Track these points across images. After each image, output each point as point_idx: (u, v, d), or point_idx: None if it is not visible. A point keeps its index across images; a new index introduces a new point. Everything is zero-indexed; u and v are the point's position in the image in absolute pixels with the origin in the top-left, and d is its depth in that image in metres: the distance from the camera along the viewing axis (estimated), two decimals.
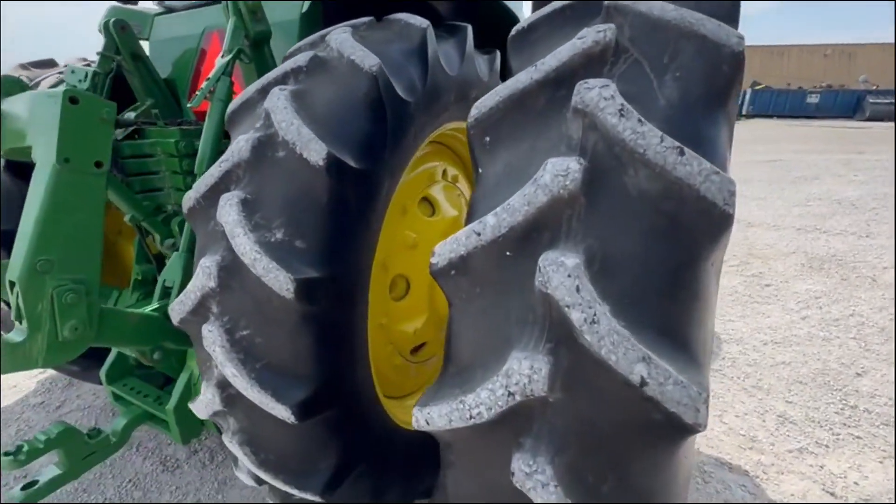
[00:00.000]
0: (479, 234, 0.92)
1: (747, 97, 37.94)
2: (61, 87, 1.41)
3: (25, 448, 1.83)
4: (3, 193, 2.28)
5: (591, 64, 1.00)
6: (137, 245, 2.32)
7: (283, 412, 1.26)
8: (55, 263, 1.25)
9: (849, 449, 2.70)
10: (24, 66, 3.05)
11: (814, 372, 3.47)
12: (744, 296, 4.83)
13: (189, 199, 1.42)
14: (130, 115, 2.30)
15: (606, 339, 0.77)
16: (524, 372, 0.82)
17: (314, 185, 1.28)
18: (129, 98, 2.42)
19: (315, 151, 1.25)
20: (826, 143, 17.86)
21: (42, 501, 1.81)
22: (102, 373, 2.18)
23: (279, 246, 1.26)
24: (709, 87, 0.95)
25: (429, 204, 2.20)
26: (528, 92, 1.03)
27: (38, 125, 1.29)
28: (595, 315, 0.78)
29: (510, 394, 0.84)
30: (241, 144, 1.33)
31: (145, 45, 2.58)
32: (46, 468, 1.93)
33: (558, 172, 0.86)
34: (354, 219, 1.40)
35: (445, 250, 0.97)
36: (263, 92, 1.45)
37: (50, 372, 3.61)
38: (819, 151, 15.46)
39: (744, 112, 37.28)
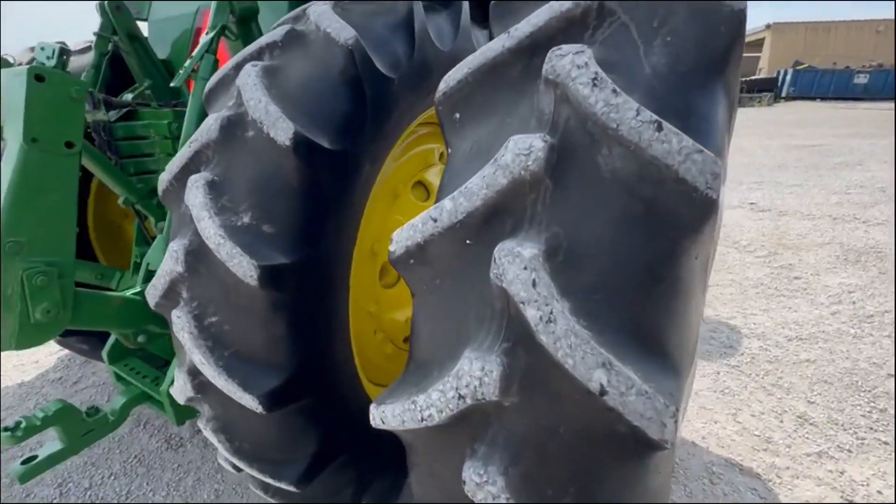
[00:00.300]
0: (435, 221, 0.84)
1: (788, 78, 35.83)
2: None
3: (23, 424, 1.87)
4: None
5: (570, 29, 0.88)
6: (137, 228, 2.33)
7: (250, 402, 1.22)
8: (25, 245, 1.23)
9: (874, 455, 2.52)
10: (33, 50, 3.08)
11: (841, 371, 3.26)
12: (769, 288, 4.57)
13: (163, 180, 1.38)
14: (129, 96, 2.28)
15: (563, 340, 0.68)
16: (475, 374, 0.75)
17: (282, 166, 1.22)
18: (131, 79, 2.41)
19: (282, 130, 1.18)
20: (873, 127, 16.71)
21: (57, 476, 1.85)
22: (105, 352, 2.21)
23: (245, 230, 1.20)
24: (703, 54, 0.83)
25: (424, 188, 2.11)
26: (500, 62, 0.93)
27: (6, 104, 1.26)
28: (552, 313, 0.69)
29: (460, 396, 0.76)
30: (210, 124, 1.28)
31: (144, 26, 2.56)
32: (46, 444, 1.98)
33: (520, 151, 0.76)
34: (329, 203, 1.33)
35: (402, 237, 0.90)
36: (238, 69, 1.38)
37: None
38: (864, 136, 14.49)
39: (784, 94, 35.28)
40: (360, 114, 1.37)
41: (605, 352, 0.67)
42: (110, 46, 2.33)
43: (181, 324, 1.26)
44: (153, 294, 1.34)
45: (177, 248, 1.25)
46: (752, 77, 38.06)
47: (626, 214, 0.74)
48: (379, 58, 1.40)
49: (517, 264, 0.72)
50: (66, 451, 1.99)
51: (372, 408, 0.95)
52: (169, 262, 1.26)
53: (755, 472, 2.45)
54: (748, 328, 3.88)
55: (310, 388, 1.37)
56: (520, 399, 0.76)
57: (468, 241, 0.84)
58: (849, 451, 2.56)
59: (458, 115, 0.99)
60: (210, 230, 1.18)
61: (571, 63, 0.79)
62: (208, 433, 1.40)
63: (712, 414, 2.89)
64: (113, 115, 2.10)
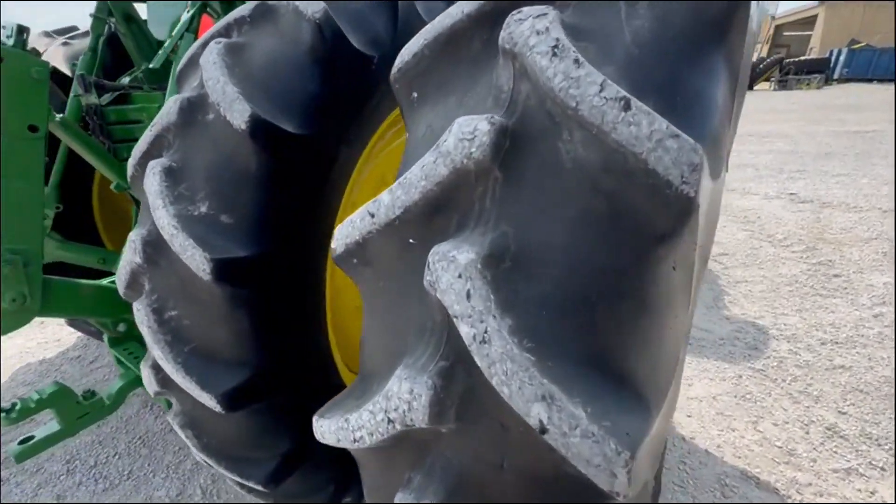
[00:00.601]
0: (372, 216, 0.73)
1: (842, 58, 33.31)
2: None
3: (18, 406, 1.89)
4: None
5: None
6: (134, 213, 2.32)
7: (208, 401, 1.16)
8: None
9: None
10: (47, 34, 3.11)
11: (880, 380, 2.99)
12: (805, 287, 4.25)
13: (129, 165, 1.32)
14: (125, 80, 2.25)
15: (498, 365, 0.57)
16: (403, 396, 0.64)
17: (240, 152, 1.13)
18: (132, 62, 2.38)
19: (238, 113, 1.09)
20: None
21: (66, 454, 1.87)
22: (105, 336, 2.23)
23: (202, 221, 1.13)
24: (698, 16, 0.68)
25: None
26: (459, 30, 0.80)
27: None
28: (487, 332, 0.57)
29: (390, 420, 0.66)
30: (170, 106, 1.20)
31: (143, 8, 2.51)
32: (44, 425, 2.01)
33: (463, 136, 0.64)
34: (296, 191, 1.24)
35: (342, 234, 0.79)
36: (205, 46, 1.29)
37: None
38: None
39: (836, 76, 32.86)
40: (332, 95, 1.26)
41: (549, 382, 0.55)
42: (107, 29, 2.29)
43: (141, 317, 1.21)
44: (119, 284, 1.29)
45: (135, 238, 1.19)
46: (802, 58, 35.58)
47: (587, 214, 0.61)
48: (355, 34, 1.29)
49: (451, 271, 0.60)
50: (63, 432, 2.02)
51: (314, 418, 0.87)
52: (128, 252, 1.21)
53: (773, 486, 2.27)
54: (777, 329, 3.61)
55: (276, 387, 1.30)
56: (458, 427, 0.66)
57: (411, 241, 0.73)
58: (882, 469, 2.33)
59: (415, 95, 0.87)
60: (164, 220, 1.11)
61: (531, 29, 0.65)
62: (176, 428, 1.37)
63: (730, 421, 2.71)
64: (106, 98, 2.07)
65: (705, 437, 2.60)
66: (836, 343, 3.40)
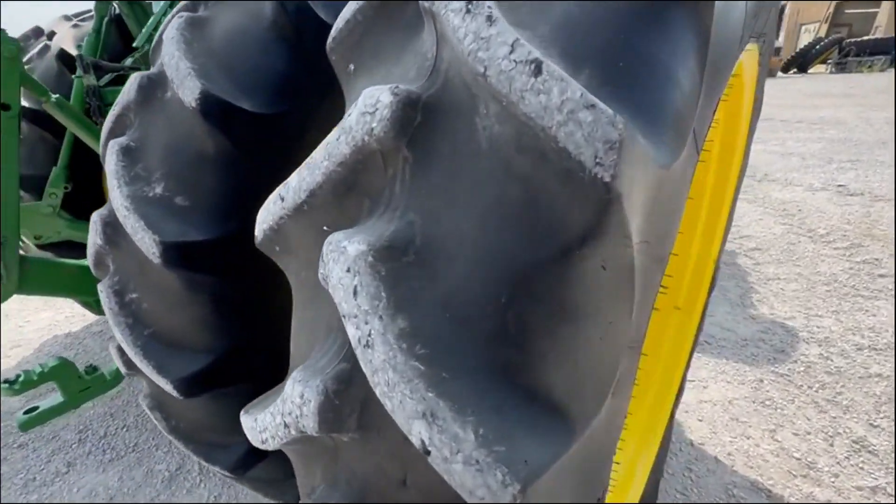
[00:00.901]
0: (283, 200, 0.67)
1: None
2: None
3: (21, 378, 1.97)
4: (21, 139, 2.41)
5: None
6: None
7: (165, 385, 1.15)
8: None
9: None
10: (66, 18, 3.18)
11: None
12: (845, 286, 3.92)
13: (101, 143, 1.31)
14: (129, 61, 2.27)
15: (381, 374, 0.49)
16: (295, 400, 0.58)
17: (194, 131, 1.08)
18: None
19: (188, 90, 1.04)
20: None
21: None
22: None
23: (157, 202, 1.10)
24: None
25: None
26: None
27: None
28: (370, 334, 0.50)
29: (286, 425, 0.60)
30: (131, 84, 1.17)
31: None
32: (49, 397, 2.10)
33: (365, 110, 0.56)
34: (258, 173, 1.18)
35: (260, 219, 0.74)
36: None
37: None
38: None
39: None
40: (298, 72, 1.20)
41: (434, 396, 0.47)
42: (111, 10, 2.31)
43: (103, 298, 1.20)
44: (90, 264, 1.29)
45: (97, 218, 1.18)
46: (865, 37, 32.73)
47: (500, 204, 0.52)
48: (324, 7, 1.21)
49: (341, 264, 0.53)
50: (65, 404, 2.10)
51: (241, 412, 0.82)
52: (91, 232, 1.20)
53: (786, 500, 2.11)
54: (808, 331, 3.35)
55: (240, 374, 1.28)
56: (360, 437, 0.59)
57: (325, 227, 0.66)
58: None
59: (352, 67, 0.79)
60: (118, 201, 1.08)
61: None
62: (146, 409, 1.37)
63: (745, 428, 2.53)
64: (105, 79, 2.09)
65: (716, 443, 2.45)
66: (875, 349, 3.12)
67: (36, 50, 2.55)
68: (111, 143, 1.15)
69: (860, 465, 2.27)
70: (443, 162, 0.56)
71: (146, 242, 1.04)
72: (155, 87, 1.15)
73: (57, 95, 1.85)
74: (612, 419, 0.63)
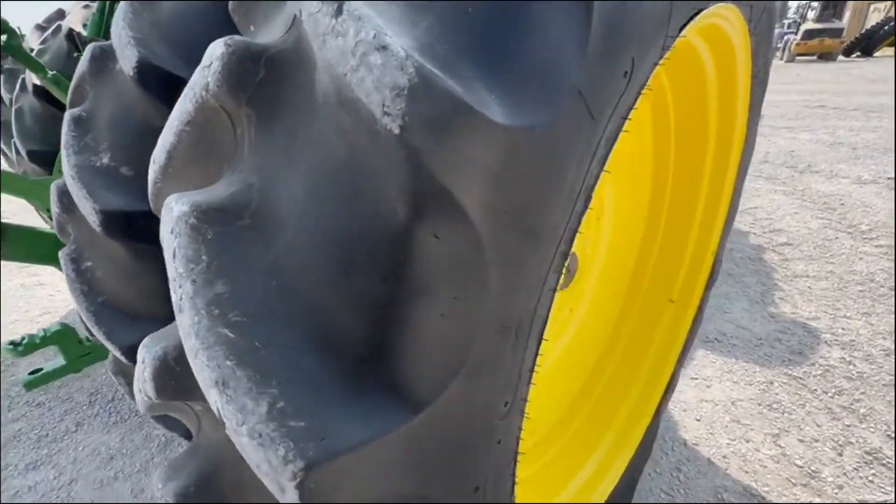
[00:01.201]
0: (154, 163, 0.65)
1: None
2: None
3: (25, 341, 2.10)
4: (33, 116, 2.53)
5: None
6: None
7: (115, 351, 1.18)
8: None
9: None
10: (87, 7, 3.30)
11: None
12: (881, 287, 3.62)
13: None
14: None
15: (187, 340, 0.47)
16: (140, 366, 0.57)
17: (136, 101, 1.09)
18: None
19: (127, 59, 1.04)
20: None
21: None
22: None
23: (102, 171, 1.12)
24: None
25: None
26: None
27: None
28: (182, 299, 0.48)
29: (140, 390, 0.60)
30: (86, 54, 1.19)
31: None
32: (53, 360, 2.23)
33: (204, 64, 0.53)
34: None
35: (148, 181, 0.72)
36: None
37: None
38: None
39: None
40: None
41: (232, 364, 0.45)
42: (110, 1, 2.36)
43: (63, 265, 1.24)
44: (55, 231, 1.34)
45: (54, 188, 1.21)
46: None
47: (328, 165, 0.48)
48: None
49: (166, 225, 0.51)
50: (67, 367, 2.22)
51: None
52: (51, 200, 1.24)
53: None
54: (832, 333, 3.12)
55: None
56: (205, 407, 0.57)
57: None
58: None
59: (252, 28, 0.76)
60: (66, 169, 1.11)
61: None
62: (111, 375, 1.42)
63: (746, 431, 2.39)
64: None
65: (711, 444, 2.33)
66: None
67: (50, 30, 2.68)
68: (67, 113, 1.18)
69: (869, 477, 2.10)
70: (285, 121, 0.53)
71: (87, 211, 1.06)
72: (107, 58, 1.16)
73: (53, 72, 1.92)
74: (476, 403, 0.58)
